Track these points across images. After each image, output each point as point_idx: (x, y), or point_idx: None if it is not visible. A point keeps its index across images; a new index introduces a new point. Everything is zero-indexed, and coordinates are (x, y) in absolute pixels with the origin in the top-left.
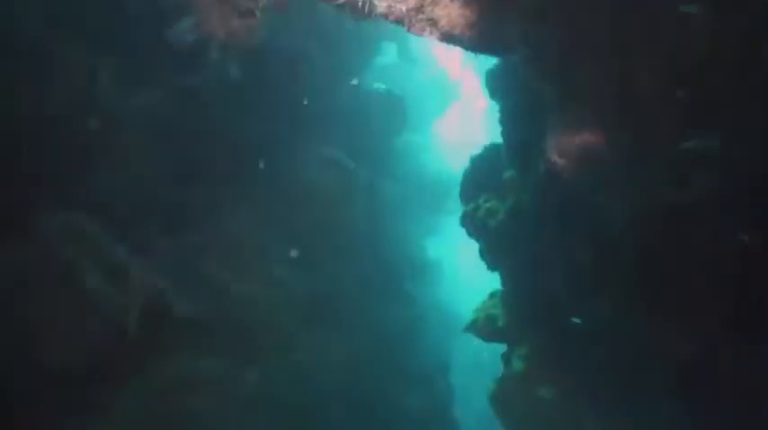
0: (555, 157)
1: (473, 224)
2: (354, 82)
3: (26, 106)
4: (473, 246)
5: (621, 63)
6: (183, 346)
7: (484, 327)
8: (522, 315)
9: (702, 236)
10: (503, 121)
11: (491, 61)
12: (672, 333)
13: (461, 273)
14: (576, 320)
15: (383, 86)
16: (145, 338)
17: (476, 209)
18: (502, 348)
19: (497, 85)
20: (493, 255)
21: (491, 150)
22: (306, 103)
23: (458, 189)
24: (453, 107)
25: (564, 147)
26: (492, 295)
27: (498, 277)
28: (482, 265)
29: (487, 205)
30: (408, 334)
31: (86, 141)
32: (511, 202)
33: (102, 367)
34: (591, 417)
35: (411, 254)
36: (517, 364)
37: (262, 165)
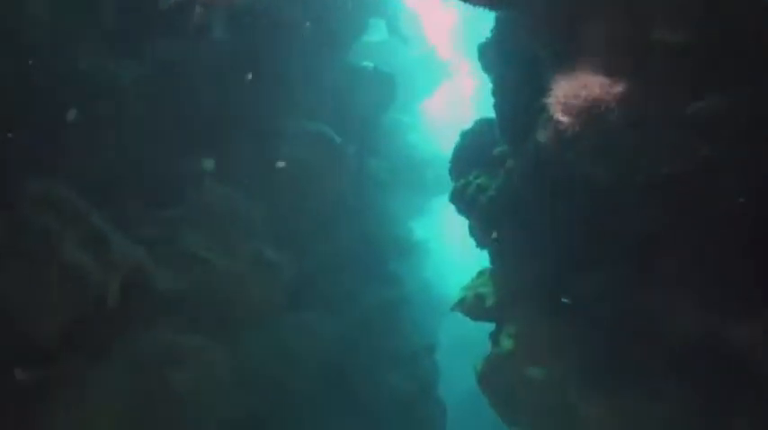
0: (559, 115)
1: (463, 201)
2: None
3: (10, 76)
4: (459, 228)
5: (632, 14)
6: (165, 321)
7: (472, 306)
8: (512, 293)
9: (707, 207)
10: (496, 93)
11: (483, 35)
12: (672, 310)
13: (447, 255)
14: (566, 301)
15: (371, 65)
16: (125, 311)
17: (466, 185)
18: (487, 330)
19: (491, 55)
20: (483, 232)
21: (482, 126)
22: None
23: (445, 170)
24: (442, 88)
25: (569, 103)
26: (481, 273)
27: (485, 258)
28: (468, 247)
29: (478, 181)
30: (394, 313)
31: (69, 111)
32: (502, 178)
33: (80, 340)
34: (583, 399)
35: (397, 233)
36: (506, 343)
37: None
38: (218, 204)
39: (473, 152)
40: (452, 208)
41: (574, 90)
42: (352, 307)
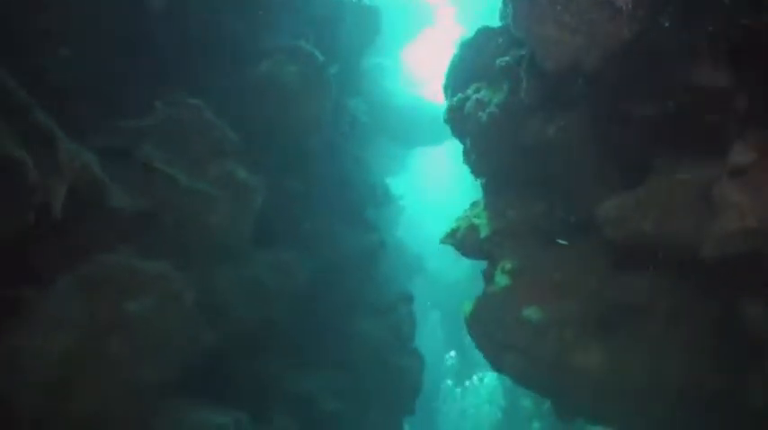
0: None
1: (460, 118)
2: None
3: None
4: (434, 186)
5: None
6: (121, 243)
7: (465, 237)
8: (510, 225)
9: None
10: None
11: None
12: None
13: (420, 215)
14: (563, 242)
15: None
16: (75, 230)
17: (464, 100)
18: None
19: None
20: (480, 155)
21: (484, 36)
22: None
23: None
24: (425, 35)
25: None
26: (475, 204)
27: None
28: (442, 206)
29: (478, 95)
30: (371, 260)
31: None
32: (506, 91)
33: (22, 260)
34: (579, 347)
35: (374, 181)
36: (501, 280)
37: None
38: (187, 118)
39: (473, 65)
40: (427, 165)
41: None
42: (327, 249)
